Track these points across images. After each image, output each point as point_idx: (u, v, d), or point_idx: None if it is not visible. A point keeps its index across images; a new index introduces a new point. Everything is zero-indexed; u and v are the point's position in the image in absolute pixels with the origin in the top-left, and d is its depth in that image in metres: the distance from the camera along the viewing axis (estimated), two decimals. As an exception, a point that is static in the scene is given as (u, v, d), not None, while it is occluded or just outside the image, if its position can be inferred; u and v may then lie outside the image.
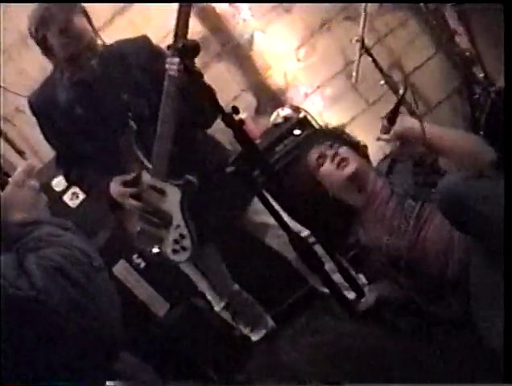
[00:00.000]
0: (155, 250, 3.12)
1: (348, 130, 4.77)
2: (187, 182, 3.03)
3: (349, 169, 3.05)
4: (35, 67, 3.89)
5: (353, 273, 2.95)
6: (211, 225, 3.24)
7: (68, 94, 3.11)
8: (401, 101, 2.83)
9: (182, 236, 3.06)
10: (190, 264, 3.39)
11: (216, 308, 3.61)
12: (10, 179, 1.66)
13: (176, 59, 2.75)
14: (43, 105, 3.19)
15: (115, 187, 3.13)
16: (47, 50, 3.00)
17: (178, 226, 3.06)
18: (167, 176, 3.02)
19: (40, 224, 1.54)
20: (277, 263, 3.60)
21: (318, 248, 2.32)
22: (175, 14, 2.71)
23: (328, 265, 2.43)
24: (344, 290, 2.30)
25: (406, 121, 2.75)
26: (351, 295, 2.30)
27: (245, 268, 3.83)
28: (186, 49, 2.21)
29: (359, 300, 2.36)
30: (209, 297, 3.61)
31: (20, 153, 4.40)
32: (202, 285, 3.56)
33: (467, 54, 4.65)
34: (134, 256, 3.39)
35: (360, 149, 3.23)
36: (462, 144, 2.68)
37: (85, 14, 2.99)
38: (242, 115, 4.34)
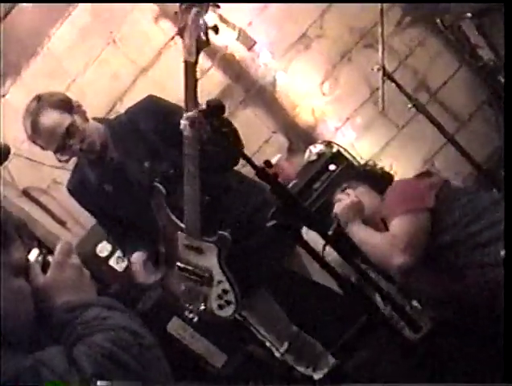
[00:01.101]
0: (202, 307, 3.12)
1: (382, 156, 4.84)
2: (220, 238, 3.01)
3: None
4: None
5: (405, 302, 2.93)
6: (258, 271, 3.23)
7: (94, 173, 3.20)
8: None
9: (225, 291, 3.05)
10: (248, 314, 3.40)
11: (277, 354, 3.58)
12: (50, 259, 1.67)
13: (190, 114, 2.70)
14: (79, 189, 3.30)
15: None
16: (40, 147, 3.13)
17: (220, 281, 3.05)
18: (201, 234, 3.00)
19: (86, 307, 1.54)
20: (328, 298, 3.57)
21: (367, 287, 2.30)
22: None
23: (379, 300, 2.41)
24: (398, 323, 2.27)
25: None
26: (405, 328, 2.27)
27: (297, 307, 3.80)
28: (211, 109, 2.18)
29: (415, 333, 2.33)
30: (269, 344, 3.58)
31: (62, 223, 4.47)
32: (261, 333, 3.54)
33: (491, 64, 4.63)
34: (186, 312, 3.39)
35: (381, 182, 3.23)
36: (370, 247, 2.80)
37: (56, 105, 3.05)
38: (276, 156, 4.43)
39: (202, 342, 3.88)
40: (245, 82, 4.70)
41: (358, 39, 4.74)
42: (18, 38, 4.42)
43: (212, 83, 4.62)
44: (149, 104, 3.22)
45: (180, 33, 2.74)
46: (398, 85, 3.97)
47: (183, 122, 2.72)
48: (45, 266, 1.65)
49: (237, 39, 4.57)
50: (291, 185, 4.26)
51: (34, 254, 1.69)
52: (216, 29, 2.72)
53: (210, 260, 3.04)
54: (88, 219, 3.71)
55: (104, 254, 3.91)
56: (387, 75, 3.94)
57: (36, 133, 3.02)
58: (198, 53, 2.68)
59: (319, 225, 2.19)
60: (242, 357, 3.94)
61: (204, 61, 4.58)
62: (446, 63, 4.84)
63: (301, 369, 3.65)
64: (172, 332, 3.83)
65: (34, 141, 3.09)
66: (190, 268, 3.11)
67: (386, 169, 3.45)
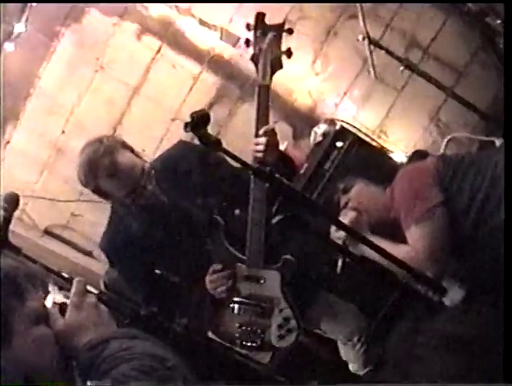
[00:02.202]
0: (258, 343, 3.01)
1: (388, 122, 4.83)
2: (285, 262, 2.95)
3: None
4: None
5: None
6: (311, 279, 3.21)
7: (139, 222, 3.06)
8: None
9: (286, 319, 2.96)
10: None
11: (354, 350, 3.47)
12: (67, 301, 1.71)
13: (262, 140, 2.74)
14: (116, 245, 3.12)
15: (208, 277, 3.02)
16: (104, 195, 3.03)
17: (281, 310, 2.96)
18: (264, 261, 2.92)
19: (108, 342, 1.58)
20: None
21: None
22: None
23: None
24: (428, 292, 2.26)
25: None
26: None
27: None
28: (195, 121, 2.16)
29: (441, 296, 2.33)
30: (349, 347, 3.47)
31: (88, 253, 4.53)
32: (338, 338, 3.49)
33: (477, 8, 4.60)
34: (240, 348, 3.31)
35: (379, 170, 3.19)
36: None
37: (126, 146, 2.99)
38: (282, 145, 4.43)
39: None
40: (237, 79, 4.70)
41: (340, 12, 4.71)
42: (10, 83, 4.47)
43: (206, 86, 4.65)
44: (182, 148, 3.21)
45: (254, 58, 2.85)
46: (386, 50, 3.97)
47: (260, 143, 2.73)
48: (63, 308, 1.70)
49: (221, 38, 4.59)
50: (302, 170, 4.28)
51: (50, 300, 1.73)
52: (289, 53, 2.83)
53: (272, 289, 2.95)
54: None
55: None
56: (373, 43, 3.94)
57: (113, 174, 2.90)
58: (272, 76, 2.77)
59: (324, 212, 2.19)
60: (288, 349, 3.93)
61: (193, 67, 4.64)
62: (432, 18, 4.79)
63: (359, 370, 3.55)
64: (213, 337, 3.83)
65: (98, 187, 2.96)
66: (248, 301, 2.99)
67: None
